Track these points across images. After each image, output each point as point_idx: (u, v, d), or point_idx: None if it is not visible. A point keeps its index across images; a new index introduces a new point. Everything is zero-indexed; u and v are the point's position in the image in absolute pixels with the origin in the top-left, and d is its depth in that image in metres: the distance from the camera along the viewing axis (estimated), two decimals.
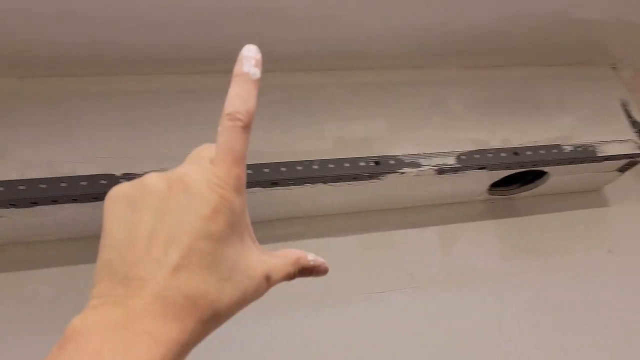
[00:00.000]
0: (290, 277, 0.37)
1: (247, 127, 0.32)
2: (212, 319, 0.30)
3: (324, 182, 0.79)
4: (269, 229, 0.88)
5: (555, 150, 0.91)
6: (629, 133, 0.98)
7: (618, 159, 0.95)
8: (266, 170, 0.76)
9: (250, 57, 0.34)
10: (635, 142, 0.97)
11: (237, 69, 0.34)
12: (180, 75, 0.81)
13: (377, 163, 0.81)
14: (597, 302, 0.98)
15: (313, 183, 0.79)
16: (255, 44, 0.36)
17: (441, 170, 0.84)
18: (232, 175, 0.32)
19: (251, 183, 0.75)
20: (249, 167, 0.75)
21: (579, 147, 0.92)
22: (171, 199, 0.31)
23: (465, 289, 0.93)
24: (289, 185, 0.78)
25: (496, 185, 0.98)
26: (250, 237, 0.35)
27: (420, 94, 0.90)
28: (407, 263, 0.93)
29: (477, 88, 0.95)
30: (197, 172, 0.32)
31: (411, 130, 0.85)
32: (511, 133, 0.91)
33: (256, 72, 0.34)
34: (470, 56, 0.95)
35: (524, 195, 1.04)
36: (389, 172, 0.81)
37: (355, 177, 0.80)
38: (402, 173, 0.82)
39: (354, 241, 0.92)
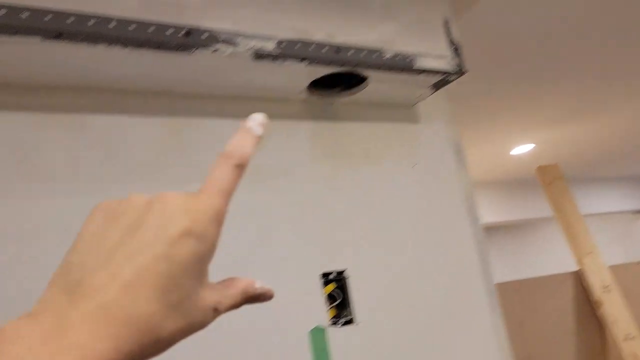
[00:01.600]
0: (237, 306, 0.36)
1: (239, 167, 0.35)
2: (151, 345, 0.28)
3: (124, 45, 0.69)
4: (43, 97, 0.76)
5: (376, 55, 0.90)
6: (446, 50, 1.01)
7: (433, 74, 0.98)
8: (48, 18, 0.63)
9: (256, 118, 0.38)
10: (451, 61, 1.00)
11: (242, 123, 0.37)
12: None
13: (188, 34, 0.73)
14: (398, 210, 1.03)
15: (109, 43, 0.68)
16: None
17: (258, 55, 0.79)
18: (212, 205, 0.32)
19: (28, 30, 0.63)
20: (24, 9, 0.62)
21: (398, 55, 0.93)
22: (147, 217, 0.31)
23: (270, 187, 0.91)
24: (78, 40, 0.66)
25: (317, 87, 0.95)
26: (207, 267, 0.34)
27: None
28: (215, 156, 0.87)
29: None
30: (179, 196, 0.32)
31: (230, 3, 0.78)
32: (335, 29, 0.88)
33: (258, 130, 0.37)
34: None
35: (344, 101, 1.03)
36: (200, 47, 0.74)
37: (161, 46, 0.71)
38: (215, 50, 0.75)
39: (157, 124, 0.84)
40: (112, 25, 0.67)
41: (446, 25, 1.03)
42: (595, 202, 4.96)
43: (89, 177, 0.75)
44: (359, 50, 0.88)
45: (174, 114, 0.85)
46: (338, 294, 0.90)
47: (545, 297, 2.28)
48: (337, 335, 0.88)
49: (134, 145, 0.80)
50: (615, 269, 2.43)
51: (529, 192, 4.46)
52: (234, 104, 0.91)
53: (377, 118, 1.08)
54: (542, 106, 2.57)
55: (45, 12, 0.63)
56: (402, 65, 0.93)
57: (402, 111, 1.12)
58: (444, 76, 0.99)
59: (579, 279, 2.38)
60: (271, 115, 0.94)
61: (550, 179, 2.70)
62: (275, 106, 0.96)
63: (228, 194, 0.34)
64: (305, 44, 0.83)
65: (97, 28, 0.66)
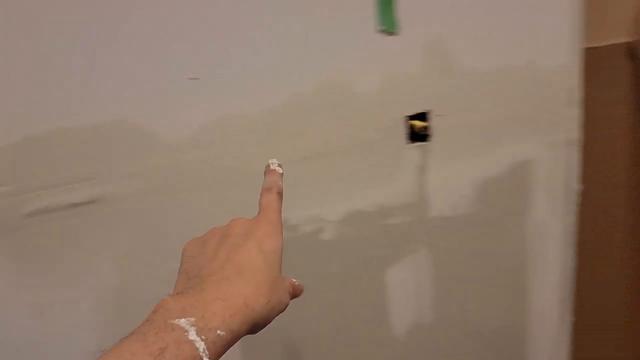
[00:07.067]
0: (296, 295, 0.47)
1: (279, 195, 0.47)
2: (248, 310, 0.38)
3: None
4: None
5: None
6: None
7: None
8: None
9: (274, 162, 0.50)
10: None
11: (267, 168, 0.50)
12: None
13: None
14: None
15: None
16: None
17: None
18: (273, 222, 0.44)
19: None
20: None
21: None
22: (245, 239, 0.42)
23: None
24: None
25: None
26: None
27: None
28: None
29: None
30: (246, 220, 0.44)
31: None
32: None
33: (279, 169, 0.49)
34: None
35: None
36: None
37: None
38: None
39: None
40: None
41: None
42: None
43: None
44: None
45: None
46: None
47: None
48: None
49: None
50: None
51: None
52: None
53: None
54: None
55: None
56: None
57: None
58: None
59: None
60: None
61: None
62: None
63: (279, 211, 0.46)
64: None
65: None
